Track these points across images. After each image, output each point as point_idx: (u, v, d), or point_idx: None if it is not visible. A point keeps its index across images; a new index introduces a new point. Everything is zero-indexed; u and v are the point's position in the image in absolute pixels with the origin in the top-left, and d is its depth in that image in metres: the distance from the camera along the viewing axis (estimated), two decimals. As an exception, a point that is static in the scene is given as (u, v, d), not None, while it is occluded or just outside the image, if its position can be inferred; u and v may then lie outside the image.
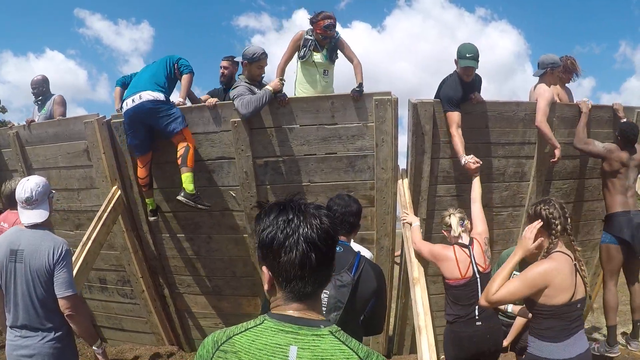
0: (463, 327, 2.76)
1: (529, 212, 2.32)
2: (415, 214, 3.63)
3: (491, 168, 3.90)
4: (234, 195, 3.84)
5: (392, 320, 4.53)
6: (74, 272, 3.48)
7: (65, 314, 2.30)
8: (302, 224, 0.91)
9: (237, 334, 0.93)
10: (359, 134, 3.56)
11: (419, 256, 3.15)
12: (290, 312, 0.93)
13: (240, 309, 4.38)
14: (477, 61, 3.43)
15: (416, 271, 3.20)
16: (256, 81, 3.72)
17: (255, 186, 3.74)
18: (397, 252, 4.17)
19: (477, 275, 2.78)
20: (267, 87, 3.50)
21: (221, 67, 4.30)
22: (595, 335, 5.24)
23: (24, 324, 2.29)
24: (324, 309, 1.78)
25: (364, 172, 3.67)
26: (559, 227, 2.12)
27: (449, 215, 2.93)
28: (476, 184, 3.26)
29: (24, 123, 4.44)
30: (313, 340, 0.90)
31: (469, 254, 2.82)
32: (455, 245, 2.86)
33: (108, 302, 4.76)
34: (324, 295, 1.82)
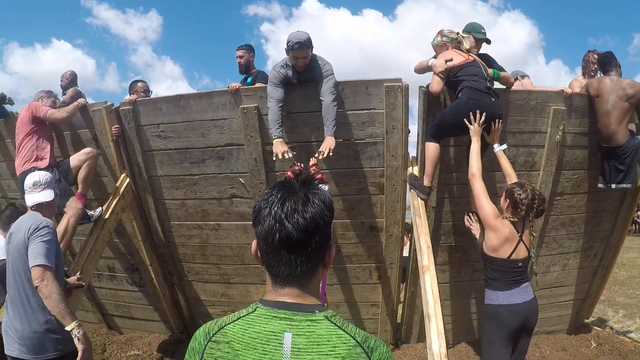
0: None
1: (507, 188, 2.81)
2: (425, 202, 3.62)
3: (502, 156, 3.87)
4: (242, 182, 3.83)
5: (400, 308, 4.54)
6: (83, 259, 3.52)
7: (34, 285, 2.23)
8: (278, 201, 0.89)
9: (229, 324, 0.90)
10: (369, 121, 3.54)
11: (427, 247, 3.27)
12: (284, 298, 0.90)
13: (249, 296, 4.39)
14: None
15: (426, 259, 3.20)
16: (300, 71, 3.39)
17: (265, 173, 3.72)
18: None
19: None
20: (274, 137, 3.30)
21: (237, 57, 4.31)
22: (600, 328, 5.23)
23: (12, 302, 2.36)
24: None
25: (373, 159, 3.65)
26: (522, 212, 2.67)
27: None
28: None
29: None
30: (308, 326, 0.87)
31: None
32: None
33: (117, 291, 4.78)
34: None
